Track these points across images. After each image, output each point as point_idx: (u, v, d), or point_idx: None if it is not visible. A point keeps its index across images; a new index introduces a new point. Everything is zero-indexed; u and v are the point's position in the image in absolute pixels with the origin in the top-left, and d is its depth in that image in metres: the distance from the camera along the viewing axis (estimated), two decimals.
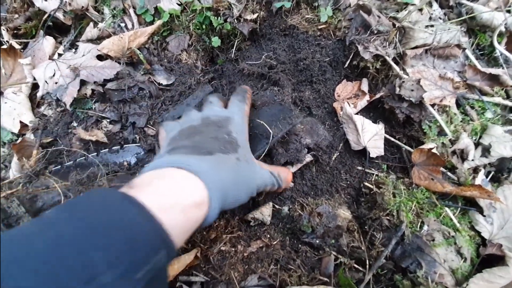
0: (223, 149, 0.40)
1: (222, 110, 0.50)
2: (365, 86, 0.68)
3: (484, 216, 0.53)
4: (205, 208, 0.33)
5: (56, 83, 0.68)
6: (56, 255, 0.22)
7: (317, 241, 0.53)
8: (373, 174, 0.63)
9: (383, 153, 0.63)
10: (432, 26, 0.62)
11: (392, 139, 0.65)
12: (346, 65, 0.69)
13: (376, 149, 0.63)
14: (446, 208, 0.54)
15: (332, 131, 0.67)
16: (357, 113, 0.66)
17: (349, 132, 0.65)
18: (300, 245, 0.54)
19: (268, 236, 0.53)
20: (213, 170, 0.35)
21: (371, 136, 0.64)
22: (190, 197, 0.32)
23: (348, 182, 0.64)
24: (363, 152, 0.63)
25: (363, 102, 0.66)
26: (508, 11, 0.65)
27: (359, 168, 0.65)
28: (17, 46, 0.72)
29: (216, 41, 0.73)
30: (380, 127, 0.64)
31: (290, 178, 0.53)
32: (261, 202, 0.57)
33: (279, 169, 0.51)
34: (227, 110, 0.50)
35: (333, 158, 0.64)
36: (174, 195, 0.31)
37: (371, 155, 0.63)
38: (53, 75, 0.70)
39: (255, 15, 0.72)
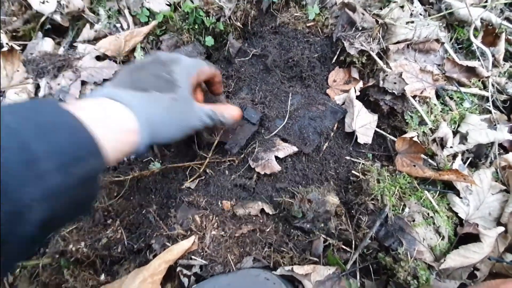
0: (158, 88, 0.42)
1: (174, 53, 0.52)
2: (355, 73, 0.72)
3: (460, 198, 0.58)
4: (136, 136, 0.37)
5: (58, 84, 0.71)
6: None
7: (308, 226, 0.57)
8: (360, 163, 0.67)
9: (370, 142, 0.67)
10: (412, 22, 0.65)
11: (378, 129, 0.69)
12: (333, 61, 0.73)
13: (365, 136, 0.67)
14: (426, 192, 0.58)
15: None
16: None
17: (348, 116, 0.69)
18: (292, 230, 0.58)
19: (261, 221, 0.57)
20: (142, 106, 0.39)
21: (363, 123, 0.68)
22: (121, 123, 0.36)
23: (337, 171, 0.68)
24: (352, 136, 0.67)
25: (357, 87, 0.69)
26: (484, 7, 0.69)
27: (347, 158, 0.69)
28: (17, 48, 0.75)
29: (209, 41, 0.76)
30: (374, 118, 0.68)
31: (236, 114, 0.54)
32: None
33: (223, 108, 0.52)
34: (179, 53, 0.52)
35: (323, 149, 0.68)
36: (105, 118, 0.34)
37: (358, 140, 0.66)
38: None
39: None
